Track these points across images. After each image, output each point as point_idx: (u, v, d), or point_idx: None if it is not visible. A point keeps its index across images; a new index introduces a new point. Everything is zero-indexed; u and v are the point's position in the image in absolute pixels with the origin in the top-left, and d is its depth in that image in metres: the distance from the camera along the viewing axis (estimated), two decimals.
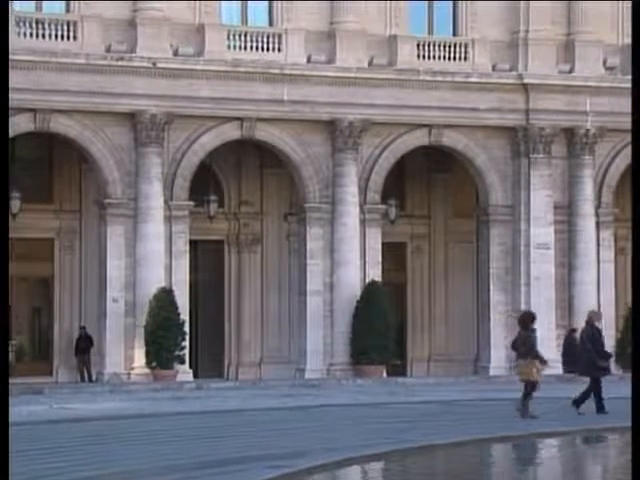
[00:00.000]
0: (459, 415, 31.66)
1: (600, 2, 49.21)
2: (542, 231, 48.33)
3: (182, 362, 44.47)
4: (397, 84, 46.98)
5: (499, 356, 48.04)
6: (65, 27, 44.23)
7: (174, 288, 44.52)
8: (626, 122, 48.57)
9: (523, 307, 47.81)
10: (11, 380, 42.84)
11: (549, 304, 48.12)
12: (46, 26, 44.07)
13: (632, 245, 17.14)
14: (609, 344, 48.64)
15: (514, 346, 32.15)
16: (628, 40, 49.45)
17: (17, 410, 33.20)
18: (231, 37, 46.01)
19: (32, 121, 43.97)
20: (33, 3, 44.93)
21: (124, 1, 44.92)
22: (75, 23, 44.29)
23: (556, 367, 47.47)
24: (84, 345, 45.45)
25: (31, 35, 43.86)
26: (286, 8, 46.72)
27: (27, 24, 43.83)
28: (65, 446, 24.81)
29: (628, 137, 49.11)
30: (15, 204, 44.98)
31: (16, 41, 43.13)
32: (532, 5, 48.36)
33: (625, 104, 48.58)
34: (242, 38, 46.14)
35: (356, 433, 25.79)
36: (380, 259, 47.19)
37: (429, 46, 47.86)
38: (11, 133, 43.58)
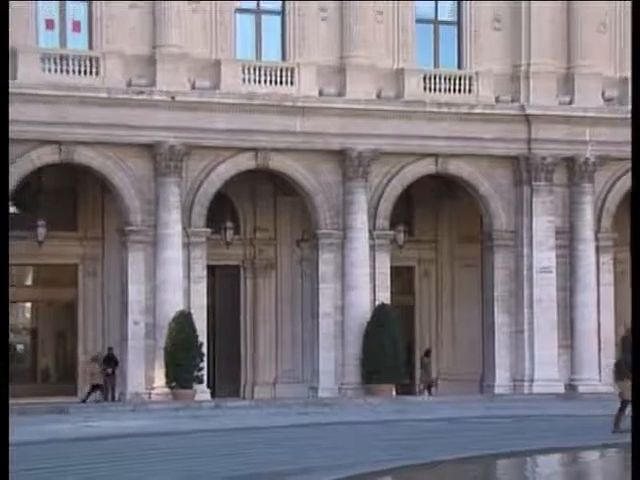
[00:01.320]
0: (465, 432, 31.62)
1: (598, 36, 49.27)
2: (544, 255, 48.28)
3: (200, 382, 44.40)
4: (404, 115, 47.01)
5: (504, 376, 48.00)
6: (88, 63, 44.25)
7: (192, 311, 44.46)
8: (624, 151, 48.57)
9: (527, 328, 48.19)
10: (37, 400, 43.29)
11: (551, 325, 48.06)
12: (70, 62, 44.12)
13: (631, 246, 18.18)
14: (609, 364, 48.95)
15: (619, 367, 32.31)
16: (625, 73, 49.57)
17: (43, 429, 33.50)
18: (246, 71, 45.96)
19: (57, 153, 44.02)
20: (58, 40, 45.01)
21: (144, 38, 45.07)
22: (97, 59, 44.32)
23: (558, 386, 47.76)
24: (111, 366, 45.19)
25: (56, 71, 43.91)
26: (298, 43, 46.76)
27: (52, 60, 43.94)
28: (88, 463, 24.90)
29: (626, 165, 49.22)
30: (41, 232, 45.33)
31: (41, 76, 43.56)
32: (533, 39, 48.39)
33: (623, 134, 48.61)
34: (256, 72, 46.10)
35: (366, 450, 25.84)
36: (389, 283, 47.10)
37: (435, 79, 47.81)
38: (37, 164, 44.16)
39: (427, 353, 49.65)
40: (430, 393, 49.11)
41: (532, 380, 47.69)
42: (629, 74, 49.53)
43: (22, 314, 48.54)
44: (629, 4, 50.03)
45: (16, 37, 43.45)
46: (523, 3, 48.46)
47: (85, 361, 46.71)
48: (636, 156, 18.03)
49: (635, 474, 14.73)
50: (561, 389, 47.56)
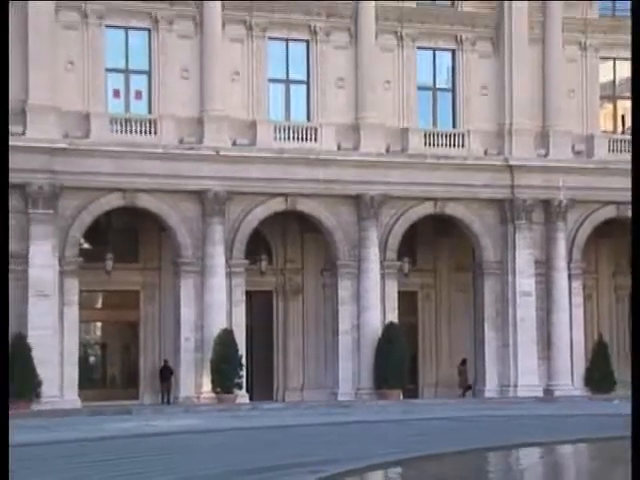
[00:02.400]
0: (462, 429, 31.62)
1: (568, 101, 49.30)
2: (525, 282, 48.11)
3: (240, 388, 44.41)
4: (409, 166, 46.99)
5: (492, 382, 47.92)
6: (147, 124, 44.48)
7: (234, 329, 44.48)
8: (591, 195, 49.05)
9: (511, 343, 48.09)
10: (106, 403, 43.37)
11: (531, 340, 47.87)
12: (133, 124, 44.35)
13: (631, 247, 16.72)
14: (580, 373, 48.88)
15: None
16: (591, 130, 49.78)
17: (111, 427, 33.61)
18: (277, 130, 46.03)
19: (122, 198, 44.13)
20: (123, 106, 45.21)
21: (193, 104, 45.20)
22: (155, 121, 44.53)
23: (537, 391, 47.61)
24: (167, 374, 45.22)
25: (121, 131, 44.11)
26: (320, 107, 46.88)
27: (118, 122, 44.16)
28: (148, 455, 25.03)
29: (593, 206, 49.43)
30: (109, 264, 45.42)
31: (110, 136, 43.77)
32: (514, 103, 48.36)
33: (590, 181, 48.93)
34: (286, 131, 46.18)
35: (379, 444, 25.79)
36: (396, 305, 46.99)
37: (434, 136, 47.78)
38: (106, 208, 44.27)
39: (463, 362, 49.40)
40: (464, 395, 49.03)
41: (516, 386, 47.55)
42: (594, 131, 49.78)
43: (94, 332, 48.48)
44: (594, 74, 50.33)
45: (89, 104, 44.09)
46: (506, 74, 48.46)
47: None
48: (636, 159, 17.00)
49: (635, 474, 13.88)
50: (540, 393, 47.42)
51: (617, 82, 51.12)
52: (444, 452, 22.14)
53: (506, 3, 48.40)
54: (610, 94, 51.22)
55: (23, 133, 42.65)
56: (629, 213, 49.59)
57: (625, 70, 50.86)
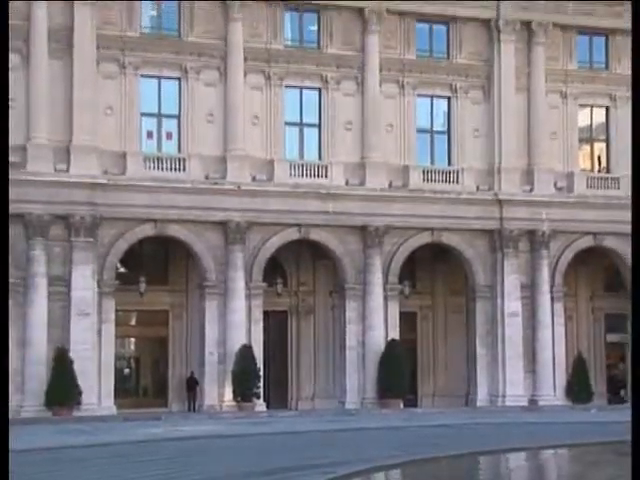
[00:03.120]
0: (457, 435, 31.62)
1: (551, 142, 49.26)
2: (512, 304, 48.00)
3: (258, 397, 44.37)
4: (409, 200, 46.93)
5: (483, 392, 47.86)
6: (177, 162, 44.54)
7: (252, 345, 44.44)
8: (571, 226, 49.08)
9: (500, 358, 47.91)
10: (138, 410, 43.38)
11: (518, 356, 47.73)
12: (164, 162, 44.43)
13: (632, 248, 16.06)
14: (561, 385, 48.75)
15: None
16: (571, 169, 49.77)
17: (143, 432, 33.61)
18: (292, 168, 46.04)
19: (154, 228, 44.17)
20: (155, 145, 45.28)
21: (218, 144, 45.27)
22: (184, 159, 44.56)
23: (523, 400, 47.52)
24: (193, 385, 45.15)
25: (154, 168, 44.14)
26: (330, 147, 46.87)
27: (151, 160, 44.25)
28: (174, 457, 25.12)
29: (573, 237, 49.41)
30: (142, 286, 45.54)
31: (143, 172, 43.85)
32: (503, 144, 48.42)
33: (570, 213, 48.93)
34: (300, 168, 46.19)
35: (382, 447, 25.89)
36: (398, 324, 46.85)
37: (431, 173, 47.74)
38: (139, 236, 44.27)
39: None
40: None
41: (504, 396, 47.45)
42: (574, 169, 49.80)
43: (128, 346, 48.40)
44: (573, 119, 50.39)
45: (126, 144, 44.24)
46: (495, 118, 48.56)
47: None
48: (636, 160, 16.40)
49: (635, 474, 13.32)
50: (525, 403, 47.30)
51: (594, 126, 51.21)
52: (441, 455, 22.14)
53: (496, 56, 48.59)
54: (587, 137, 51.23)
55: (67, 170, 42.87)
56: (605, 242, 49.76)
57: (600, 116, 51.19)
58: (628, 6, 49.93)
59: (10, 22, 42.11)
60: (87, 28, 43.31)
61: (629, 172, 51.33)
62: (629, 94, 50.33)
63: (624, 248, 49.89)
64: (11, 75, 42.45)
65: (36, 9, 42.68)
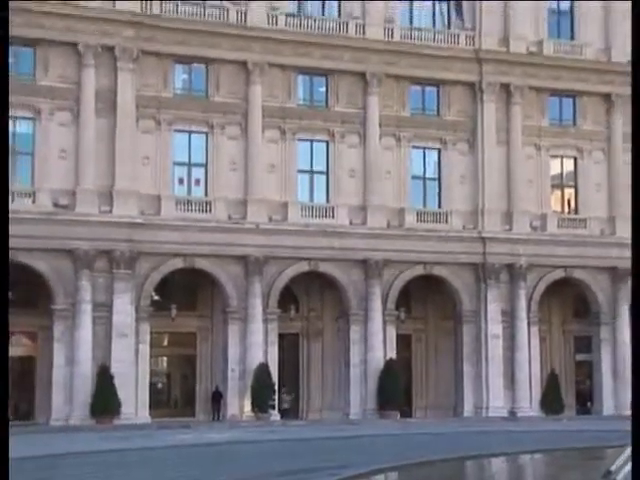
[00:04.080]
0: (447, 441, 31.46)
1: (528, 189, 49.20)
2: (494, 327, 47.84)
3: (273, 408, 44.22)
4: (405, 237, 46.87)
5: (469, 405, 47.69)
6: (204, 204, 44.61)
7: (269, 363, 44.31)
8: (545, 261, 49.06)
9: (484, 375, 47.75)
10: (169, 419, 43.31)
11: (499, 374, 47.58)
12: (193, 204, 44.48)
13: (632, 251, 12.34)
14: (536, 398, 48.62)
15: None
16: (545, 211, 49.68)
17: (174, 438, 33.63)
18: (303, 209, 46.04)
19: (183, 262, 44.13)
20: (186, 190, 45.23)
21: (239, 189, 45.24)
22: (210, 202, 44.59)
23: (504, 412, 47.36)
24: (218, 398, 44.96)
25: (184, 210, 44.17)
26: (336, 191, 46.83)
27: (182, 203, 44.29)
28: (201, 460, 25.14)
29: (546, 270, 49.37)
30: (173, 312, 45.45)
31: (175, 214, 43.90)
32: (486, 190, 48.44)
33: (544, 250, 48.79)
34: (310, 210, 46.16)
35: (383, 452, 25.91)
36: (395, 345, 46.71)
37: (424, 214, 47.75)
38: (171, 269, 44.06)
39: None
40: None
41: (487, 408, 47.30)
42: (547, 211, 49.86)
43: (161, 364, 48.15)
44: (546, 168, 50.46)
45: (160, 189, 44.32)
46: (479, 167, 48.64)
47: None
48: (636, 162, 14.93)
49: (635, 474, 12.28)
50: (506, 414, 47.14)
51: (564, 174, 51.14)
52: (434, 459, 22.04)
53: (479, 114, 48.82)
54: (559, 183, 51.16)
55: (110, 211, 42.96)
56: (574, 275, 49.82)
57: (569, 165, 51.30)
58: (592, 73, 50.40)
59: (62, 85, 42.96)
60: (128, 90, 43.60)
61: (595, 214, 51.81)
62: (592, 147, 50.83)
63: (591, 280, 50.12)
64: (63, 130, 43.04)
65: (85, 74, 42.99)
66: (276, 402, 44.46)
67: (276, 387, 44.39)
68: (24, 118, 42.68)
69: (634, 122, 14.79)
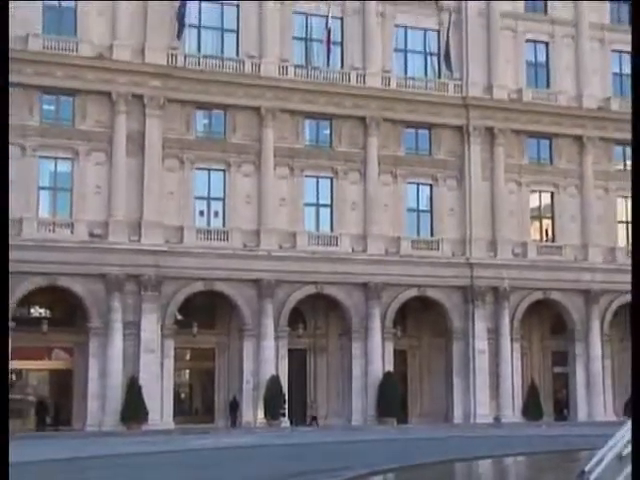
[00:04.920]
0: (439, 445, 31.36)
1: (510, 219, 49.22)
2: (481, 344, 47.73)
3: (284, 416, 44.05)
4: (401, 263, 46.86)
5: (459, 412, 47.49)
6: (222, 234, 44.59)
7: (279, 375, 44.20)
8: (525, 284, 48.99)
9: (471, 385, 47.62)
10: (191, 426, 43.15)
11: (485, 385, 47.45)
12: (212, 234, 44.49)
13: (632, 253, 11.49)
14: (518, 406, 48.49)
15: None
16: (525, 239, 49.52)
17: (194, 442, 33.49)
18: (310, 238, 45.96)
19: (203, 285, 44.09)
20: (205, 221, 45.09)
21: (253, 220, 45.31)
22: (227, 232, 44.65)
23: (489, 419, 47.14)
24: (234, 406, 44.77)
25: (204, 239, 44.18)
26: (340, 222, 46.85)
27: (202, 233, 44.30)
28: (219, 462, 25.03)
29: (527, 292, 49.26)
30: (194, 330, 45.37)
31: (196, 242, 43.93)
32: (473, 220, 48.45)
33: (524, 274, 48.78)
34: (316, 239, 46.13)
35: (381, 455, 25.70)
36: (392, 359, 46.58)
37: (418, 242, 47.75)
38: (192, 291, 44.00)
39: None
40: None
41: (475, 415, 47.16)
42: (527, 240, 49.79)
43: (183, 376, 47.97)
44: (526, 201, 50.48)
45: (183, 220, 44.46)
46: (466, 201, 48.62)
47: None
48: (636, 164, 14.17)
49: (635, 474, 11.59)
50: (491, 420, 46.98)
51: (542, 207, 51.24)
52: (427, 462, 22.01)
53: (466, 154, 48.98)
54: (537, 215, 51.15)
55: (139, 240, 43.05)
56: (552, 296, 49.80)
57: (547, 199, 51.38)
58: (565, 117, 50.64)
59: (98, 129, 43.25)
60: (155, 133, 43.83)
61: (569, 242, 51.85)
62: (567, 183, 50.97)
63: (566, 301, 50.12)
64: (98, 169, 43.24)
65: (117, 119, 43.25)
66: (286, 410, 44.14)
67: (286, 397, 44.17)
68: (64, 158, 42.96)
69: (634, 123, 14.18)
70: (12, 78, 41.05)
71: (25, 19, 42.25)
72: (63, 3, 43.56)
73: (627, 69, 51.92)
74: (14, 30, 41.65)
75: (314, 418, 46.41)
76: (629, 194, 51.75)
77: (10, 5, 41.50)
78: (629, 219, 52.06)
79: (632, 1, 16.46)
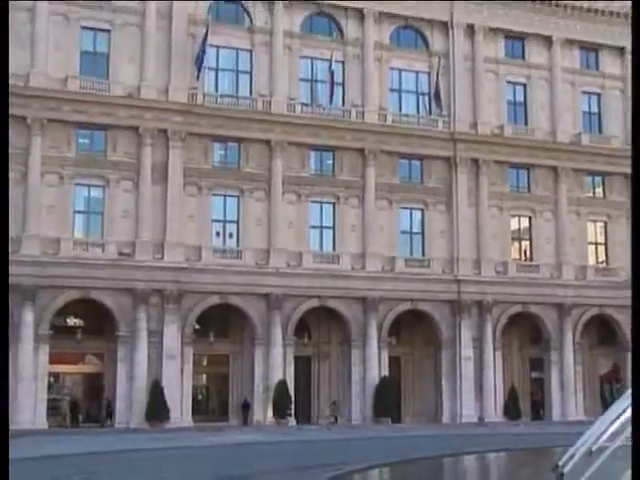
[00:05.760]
0: (429, 442, 31.31)
1: (489, 240, 49.16)
2: (467, 351, 47.65)
3: (290, 415, 43.94)
4: (396, 279, 46.74)
5: (447, 413, 47.35)
6: (236, 253, 44.54)
7: (287, 380, 44.13)
8: (506, 298, 48.77)
9: (458, 389, 47.58)
10: (208, 424, 43.03)
11: (470, 389, 47.31)
12: (227, 253, 44.48)
13: (632, 255, 12.19)
14: (500, 407, 48.35)
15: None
16: (506, 259, 49.43)
17: (210, 439, 33.29)
18: (314, 257, 45.91)
19: (219, 299, 43.95)
20: (222, 241, 45.06)
21: (263, 240, 45.13)
22: (240, 251, 44.42)
23: (474, 419, 46.99)
24: (246, 407, 44.71)
25: (220, 257, 44.10)
26: (341, 242, 46.77)
27: (218, 252, 44.29)
28: (233, 456, 25.07)
29: (507, 305, 49.00)
30: (211, 338, 45.24)
31: (213, 260, 43.87)
32: (460, 242, 48.44)
33: (505, 289, 48.56)
34: (320, 257, 46.06)
35: (376, 451, 25.84)
36: (387, 365, 46.52)
37: (411, 261, 47.62)
38: (209, 304, 43.63)
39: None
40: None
41: (461, 415, 47.04)
42: (508, 259, 49.77)
43: (201, 380, 47.61)
44: (506, 224, 50.38)
45: (201, 240, 44.45)
46: (454, 224, 48.58)
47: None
48: (636, 166, 13.19)
49: (635, 474, 10.59)
50: (476, 420, 46.83)
51: (521, 230, 51.21)
52: (419, 457, 22.10)
53: (454, 182, 49.02)
54: (517, 237, 51.11)
55: (162, 258, 43.09)
56: (530, 309, 49.81)
57: (525, 223, 51.41)
58: (541, 150, 50.87)
59: (126, 160, 43.48)
60: (177, 163, 43.97)
61: (545, 261, 51.84)
62: (543, 208, 51.08)
63: (542, 313, 50.15)
64: (126, 195, 43.36)
65: (144, 151, 43.45)
66: (293, 411, 44.05)
67: (292, 399, 44.04)
68: (97, 186, 43.22)
69: (634, 125, 13.40)
70: (52, 115, 41.92)
71: (64, 63, 42.85)
72: (97, 49, 44.06)
73: (595, 108, 52.84)
74: (55, 72, 42.42)
75: (335, 418, 46.12)
76: (598, 218, 52.18)
77: (50, 49, 42.22)
78: (598, 241, 52.41)
79: (632, 1, 15.09)
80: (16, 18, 41.40)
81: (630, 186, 11.86)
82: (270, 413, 43.79)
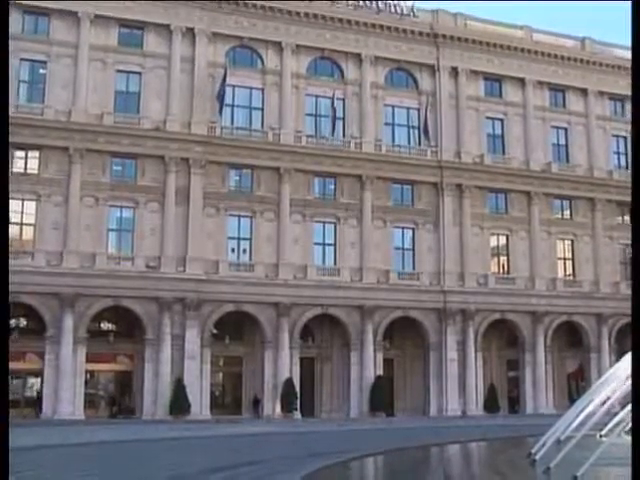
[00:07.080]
0: (419, 433, 31.20)
1: (475, 256, 49.19)
2: (452, 353, 47.55)
3: (296, 410, 43.84)
4: (389, 290, 46.64)
5: (434, 407, 47.18)
6: (249, 267, 44.36)
7: (293, 378, 44.07)
8: (487, 306, 48.61)
9: (444, 387, 47.46)
10: (224, 417, 42.86)
11: (455, 386, 47.22)
12: (241, 267, 44.29)
13: (632, 256, 9.43)
14: (481, 402, 48.15)
15: None
16: (486, 272, 49.27)
17: (225, 431, 32.95)
18: (318, 270, 45.86)
19: (234, 307, 43.85)
20: (236, 255, 44.91)
21: (271, 255, 45.20)
22: (253, 265, 44.43)
23: (458, 412, 46.94)
24: (257, 402, 44.65)
25: (235, 270, 44.06)
26: (341, 258, 46.71)
27: (233, 265, 44.23)
28: (244, 445, 24.93)
29: (487, 313, 48.87)
30: (226, 341, 45.06)
31: (228, 272, 43.83)
32: (447, 257, 48.52)
33: (486, 299, 48.52)
34: (322, 270, 45.98)
35: (371, 441, 25.77)
36: (382, 366, 46.37)
37: (403, 274, 47.51)
38: (225, 311, 43.47)
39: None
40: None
41: (447, 410, 46.97)
42: (487, 272, 49.58)
43: (218, 378, 47.30)
44: (487, 241, 50.52)
45: (218, 255, 44.33)
46: (441, 242, 48.73)
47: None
48: (636, 166, 11.96)
49: (635, 474, 9.43)
50: (460, 413, 46.72)
51: (499, 247, 51.25)
52: (409, 446, 22.14)
53: (441, 204, 49.13)
54: (496, 253, 51.06)
55: (184, 271, 43.13)
56: (507, 316, 49.76)
57: (503, 240, 51.43)
58: (517, 177, 50.94)
59: (153, 184, 43.71)
60: (198, 188, 44.19)
61: (521, 274, 51.79)
62: (518, 228, 51.16)
63: (518, 320, 50.12)
64: (153, 215, 43.52)
65: (169, 177, 43.62)
66: (298, 405, 43.92)
67: (298, 395, 43.89)
68: (127, 207, 43.46)
69: (634, 123, 12.50)
70: (90, 146, 42.28)
71: (101, 101, 43.38)
72: (130, 89, 44.51)
73: (562, 140, 53.09)
74: (93, 109, 42.88)
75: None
76: (566, 237, 52.33)
77: (90, 89, 42.67)
78: (566, 256, 52.51)
79: (632, 1, 13.93)
80: (60, 63, 42.73)
81: (630, 190, 11.50)
82: (278, 408, 43.73)
